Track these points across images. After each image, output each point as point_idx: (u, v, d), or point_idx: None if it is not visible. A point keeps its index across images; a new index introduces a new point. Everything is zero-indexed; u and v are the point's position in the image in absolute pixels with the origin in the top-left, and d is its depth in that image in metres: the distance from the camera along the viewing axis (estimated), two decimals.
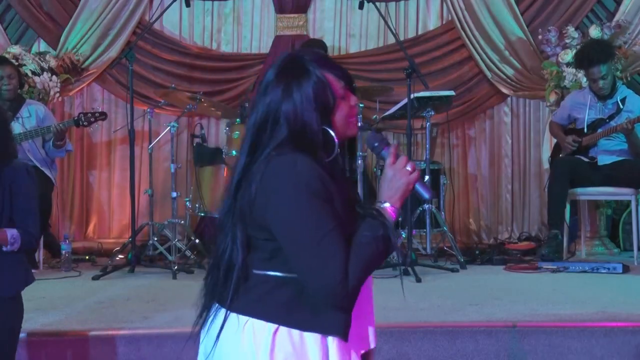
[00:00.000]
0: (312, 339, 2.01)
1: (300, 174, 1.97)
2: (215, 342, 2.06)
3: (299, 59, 2.10)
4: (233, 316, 2.04)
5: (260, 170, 2.00)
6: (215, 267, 2.11)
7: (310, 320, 2.01)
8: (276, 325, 2.00)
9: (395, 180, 2.07)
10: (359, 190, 5.59)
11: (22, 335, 3.46)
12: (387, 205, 2.07)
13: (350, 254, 1.95)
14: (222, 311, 2.06)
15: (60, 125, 5.91)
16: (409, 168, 2.07)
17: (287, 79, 2.06)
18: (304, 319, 2.01)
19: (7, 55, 6.49)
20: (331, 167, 2.05)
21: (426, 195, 2.15)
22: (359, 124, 5.71)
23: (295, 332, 2.01)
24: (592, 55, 5.90)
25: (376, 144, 2.13)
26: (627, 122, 5.82)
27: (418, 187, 2.11)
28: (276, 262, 2.02)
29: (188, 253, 6.01)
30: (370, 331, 2.15)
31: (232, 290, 2.04)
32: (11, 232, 3.22)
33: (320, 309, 2.00)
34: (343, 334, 2.01)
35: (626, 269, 5.44)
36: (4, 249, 3.21)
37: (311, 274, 1.95)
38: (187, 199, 6.19)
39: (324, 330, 2.01)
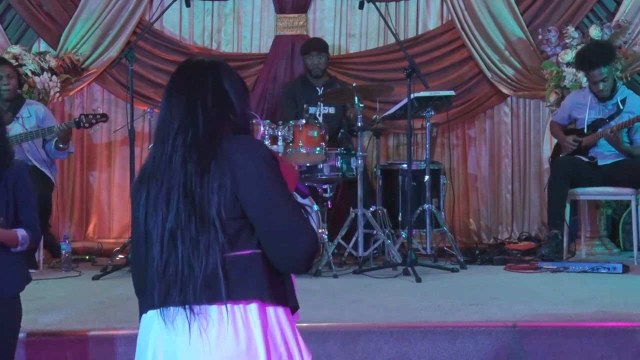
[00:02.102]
0: (283, 313, 2.14)
1: (266, 150, 2.14)
2: (190, 338, 2.05)
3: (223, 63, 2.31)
4: (214, 308, 2.06)
5: (231, 154, 2.09)
6: (168, 270, 2.08)
7: (282, 296, 2.14)
8: (258, 304, 2.08)
9: (289, 174, 2.24)
10: (359, 189, 5.59)
11: (22, 335, 3.47)
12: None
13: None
14: (210, 308, 2.05)
15: (64, 125, 5.90)
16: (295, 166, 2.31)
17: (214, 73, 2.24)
18: (278, 294, 2.13)
19: (7, 55, 6.50)
20: None
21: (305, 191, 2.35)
22: (359, 124, 5.72)
23: (272, 309, 2.12)
24: (593, 57, 5.89)
25: None
26: (611, 129, 5.82)
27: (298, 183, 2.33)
28: (242, 242, 2.10)
29: None
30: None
31: (222, 283, 2.05)
32: (21, 233, 3.23)
33: (284, 284, 2.15)
34: (297, 306, 2.20)
35: (626, 269, 5.44)
36: (14, 250, 3.22)
37: (294, 237, 2.09)
38: None
39: (290, 302, 2.16)
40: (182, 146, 2.12)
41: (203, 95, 2.17)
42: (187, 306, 2.06)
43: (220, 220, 2.06)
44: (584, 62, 5.96)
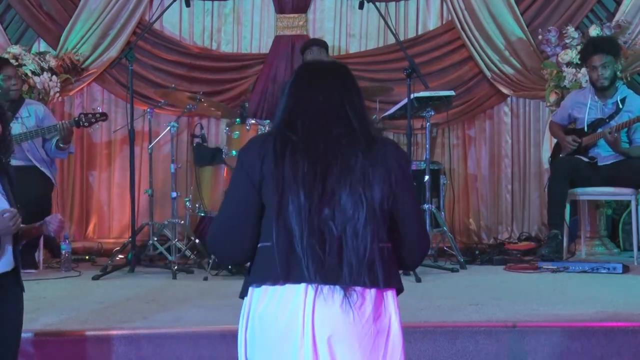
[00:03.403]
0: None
1: (408, 154, 2.42)
2: (364, 318, 2.23)
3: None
4: (372, 291, 2.24)
5: (388, 155, 2.27)
6: (323, 250, 2.19)
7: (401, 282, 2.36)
8: (393, 292, 2.32)
9: None
10: None
11: (22, 335, 3.47)
12: None
13: None
14: (368, 291, 2.23)
15: (67, 123, 5.91)
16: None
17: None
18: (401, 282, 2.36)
19: (7, 55, 6.51)
20: None
21: None
22: None
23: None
24: (597, 42, 6.02)
25: None
26: (609, 130, 5.81)
27: None
28: (386, 235, 2.28)
29: (188, 253, 6.01)
30: None
31: (380, 269, 2.23)
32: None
33: None
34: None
35: (626, 269, 5.44)
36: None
37: (422, 236, 2.37)
38: (187, 199, 6.19)
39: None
40: (347, 133, 2.25)
41: (352, 94, 2.33)
42: (346, 286, 2.20)
43: (382, 212, 2.23)
44: (588, 46, 6.05)
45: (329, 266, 2.18)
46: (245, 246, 2.32)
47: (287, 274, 2.20)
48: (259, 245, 2.29)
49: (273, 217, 2.22)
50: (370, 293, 2.24)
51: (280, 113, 2.33)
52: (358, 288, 2.21)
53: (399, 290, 2.35)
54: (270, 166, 2.23)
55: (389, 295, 2.30)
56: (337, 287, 2.19)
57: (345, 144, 2.23)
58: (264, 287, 2.25)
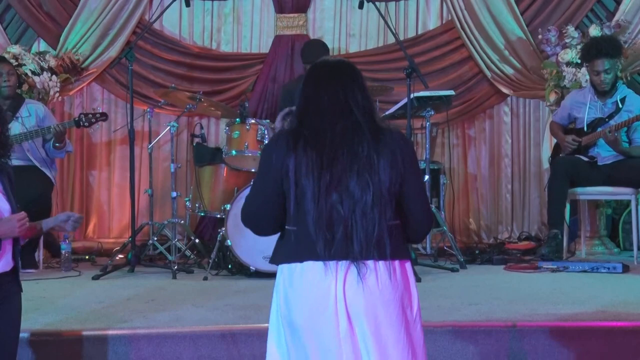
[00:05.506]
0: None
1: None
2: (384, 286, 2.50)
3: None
4: (381, 264, 2.50)
5: (394, 143, 2.53)
6: (337, 230, 2.46)
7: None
8: (409, 263, 2.61)
9: None
10: None
11: (22, 334, 3.47)
12: None
13: None
14: (378, 263, 2.49)
15: (60, 126, 5.90)
16: None
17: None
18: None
19: (7, 55, 6.50)
20: None
21: None
22: None
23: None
24: (601, 46, 5.94)
25: None
26: (609, 129, 5.81)
27: None
28: (395, 213, 2.54)
29: (188, 253, 6.01)
30: None
31: (388, 244, 2.50)
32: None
33: None
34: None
35: (626, 269, 5.44)
36: (22, 242, 3.29)
37: (429, 213, 2.69)
38: (187, 199, 6.20)
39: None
40: (352, 126, 2.52)
41: (355, 90, 2.62)
42: (356, 261, 2.47)
43: (389, 194, 2.50)
44: (590, 49, 5.99)
45: (337, 244, 2.46)
46: (270, 225, 2.64)
47: (308, 254, 2.49)
48: (286, 227, 2.59)
49: (293, 204, 2.52)
50: (379, 265, 2.49)
51: (295, 113, 2.61)
52: (369, 262, 2.48)
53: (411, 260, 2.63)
54: (286, 160, 2.51)
55: (398, 265, 2.54)
56: (348, 262, 2.47)
57: (351, 136, 2.50)
58: (291, 264, 2.54)
